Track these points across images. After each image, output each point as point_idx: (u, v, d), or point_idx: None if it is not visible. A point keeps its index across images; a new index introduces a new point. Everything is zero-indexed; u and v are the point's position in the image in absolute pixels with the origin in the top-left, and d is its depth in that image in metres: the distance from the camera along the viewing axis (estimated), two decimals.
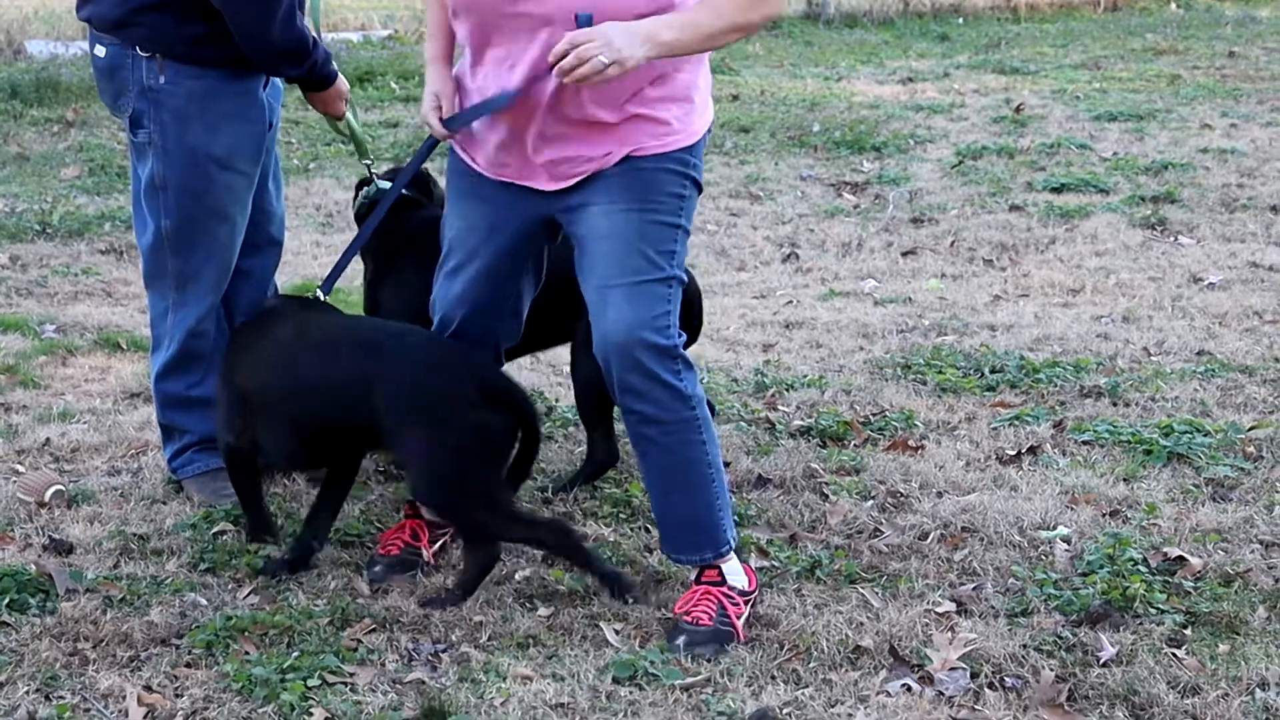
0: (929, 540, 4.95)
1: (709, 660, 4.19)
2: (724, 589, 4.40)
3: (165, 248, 5.09)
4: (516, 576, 4.66)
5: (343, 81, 5.27)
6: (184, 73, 4.90)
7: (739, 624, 4.34)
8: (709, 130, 4.33)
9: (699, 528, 4.41)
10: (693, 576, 4.50)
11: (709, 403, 4.56)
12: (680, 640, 4.27)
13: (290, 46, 4.93)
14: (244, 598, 4.54)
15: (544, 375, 6.54)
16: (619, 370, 4.21)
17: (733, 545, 4.45)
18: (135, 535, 4.92)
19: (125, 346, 6.92)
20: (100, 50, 4.99)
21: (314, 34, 5.04)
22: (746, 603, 4.42)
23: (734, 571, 4.44)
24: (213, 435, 5.25)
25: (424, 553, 4.81)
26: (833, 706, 3.96)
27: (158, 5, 4.86)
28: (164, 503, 5.23)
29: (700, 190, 4.33)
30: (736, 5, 4.04)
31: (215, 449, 5.26)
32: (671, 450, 4.32)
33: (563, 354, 5.66)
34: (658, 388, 4.23)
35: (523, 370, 6.59)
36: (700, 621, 4.31)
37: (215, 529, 4.97)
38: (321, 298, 4.70)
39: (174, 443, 5.31)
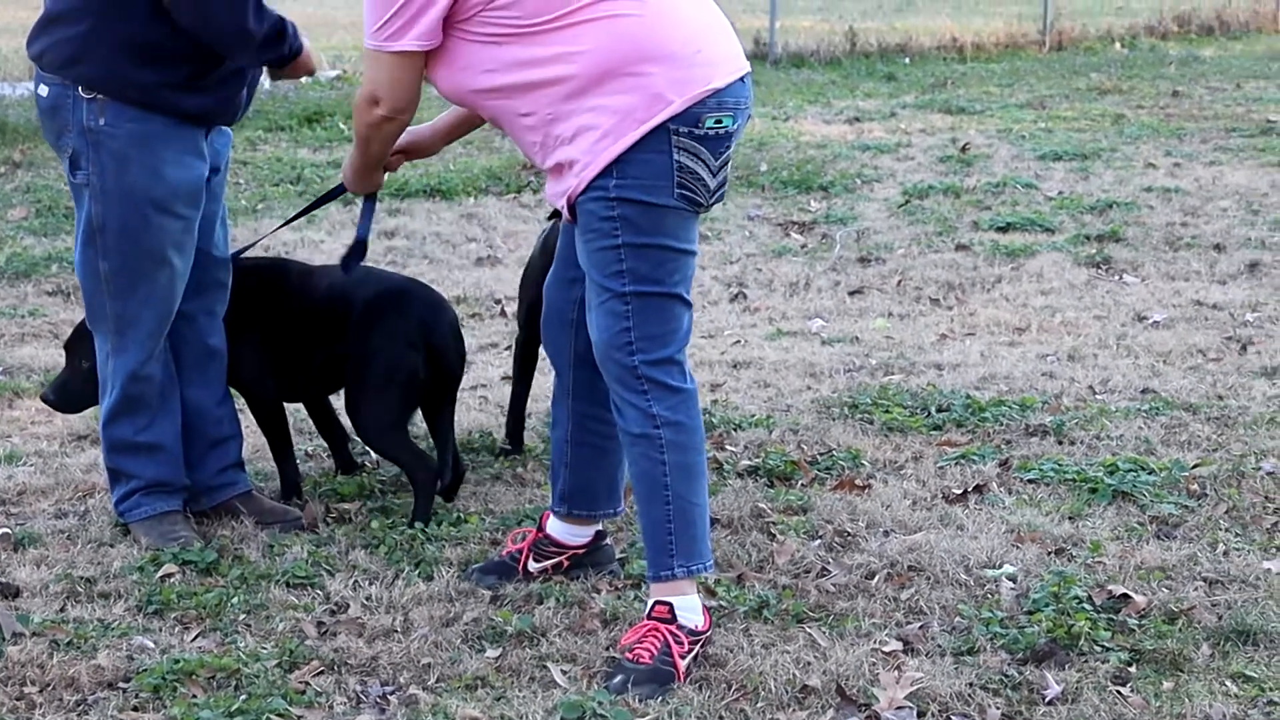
0: (876, 579, 4.97)
1: (655, 700, 4.20)
2: (672, 627, 4.41)
3: (104, 291, 5.09)
4: (465, 618, 4.67)
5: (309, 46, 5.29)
6: (125, 114, 4.91)
7: (681, 664, 4.34)
8: (656, 129, 4.27)
9: (651, 544, 4.50)
10: (645, 611, 4.51)
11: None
12: (617, 679, 4.30)
13: (269, 33, 4.97)
14: (191, 641, 4.54)
15: (492, 416, 6.54)
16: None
17: (678, 573, 4.46)
18: (82, 578, 4.91)
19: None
20: (44, 89, 4.99)
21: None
22: (694, 643, 4.41)
23: (688, 609, 4.45)
24: (160, 480, 5.26)
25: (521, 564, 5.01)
26: None
27: (110, 47, 4.87)
28: (111, 545, 5.22)
29: (657, 203, 4.31)
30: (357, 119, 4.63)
31: (163, 493, 5.27)
32: (634, 463, 4.49)
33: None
34: (622, 402, 4.44)
35: (470, 411, 6.60)
36: (641, 659, 4.34)
37: (162, 572, 4.96)
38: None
39: (121, 486, 5.30)
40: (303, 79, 5.32)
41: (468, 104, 4.56)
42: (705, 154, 4.32)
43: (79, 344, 5.44)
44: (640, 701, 4.19)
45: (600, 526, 5.05)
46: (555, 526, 5.00)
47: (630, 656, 4.36)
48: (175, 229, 5.05)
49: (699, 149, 4.31)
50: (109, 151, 4.94)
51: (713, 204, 4.43)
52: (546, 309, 4.86)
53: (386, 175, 5.04)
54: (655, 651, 4.35)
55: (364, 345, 5.39)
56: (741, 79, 4.41)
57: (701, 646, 4.45)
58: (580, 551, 5.02)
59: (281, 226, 5.70)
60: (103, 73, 4.90)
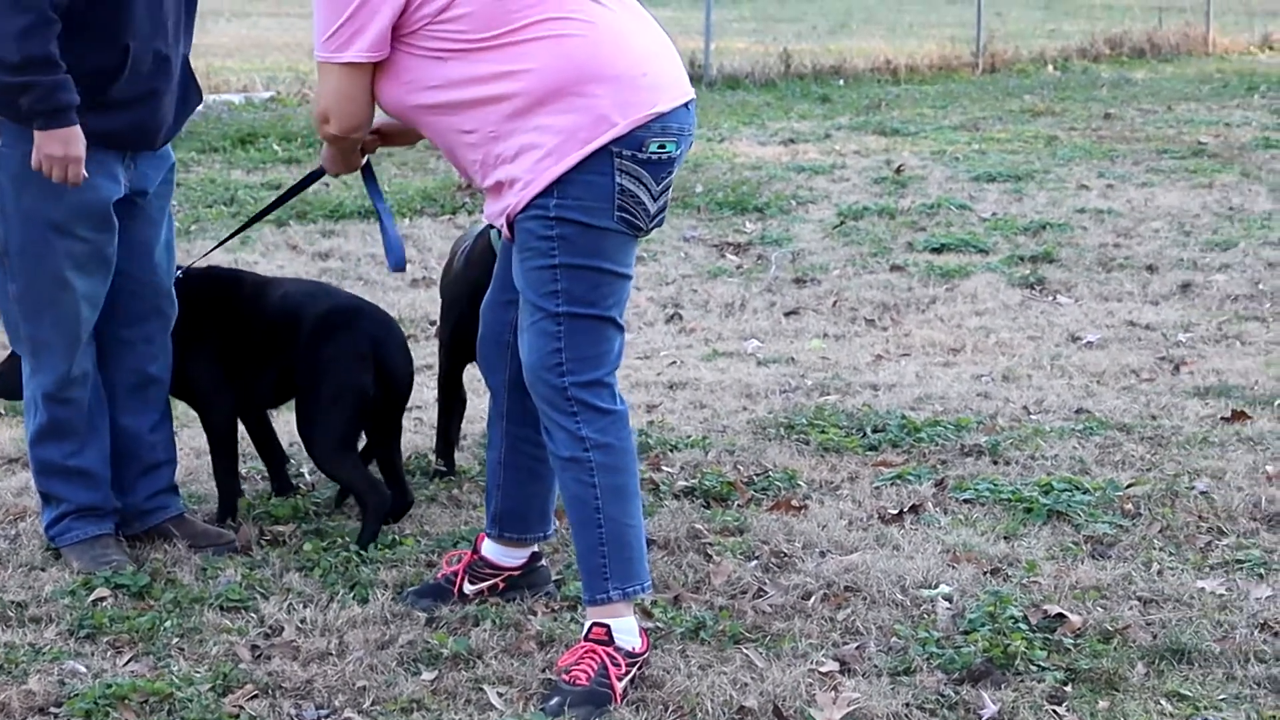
0: (812, 600, 4.97)
1: None
2: (609, 649, 4.40)
3: (16, 312, 5.05)
4: (400, 640, 4.64)
5: (76, 132, 4.84)
6: (23, 135, 4.82)
7: (618, 685, 4.33)
8: (599, 151, 4.28)
9: (585, 567, 4.51)
10: (582, 633, 4.50)
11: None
12: (554, 701, 4.29)
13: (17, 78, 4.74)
14: (124, 665, 4.50)
15: (427, 438, 6.51)
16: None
17: (614, 596, 4.46)
18: (13, 603, 4.87)
19: (3, 411, 6.84)
20: None
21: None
22: (631, 665, 4.41)
23: (625, 630, 4.45)
24: (91, 504, 5.21)
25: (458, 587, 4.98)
26: None
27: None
28: (42, 569, 5.17)
29: (596, 225, 4.31)
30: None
31: (93, 517, 5.22)
32: (566, 486, 4.49)
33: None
34: (551, 424, 4.44)
35: (405, 433, 6.58)
36: (578, 681, 4.33)
37: (94, 596, 4.92)
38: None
39: (52, 509, 5.25)
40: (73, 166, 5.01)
41: (409, 119, 4.54)
42: (647, 178, 4.33)
43: None
44: None
45: (535, 548, 5.03)
46: (490, 548, 4.98)
47: (567, 679, 4.34)
48: (78, 251, 4.98)
49: (641, 173, 4.31)
50: (7, 173, 4.88)
51: (651, 228, 4.43)
52: (483, 330, 4.85)
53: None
54: (592, 673, 4.34)
55: (314, 361, 5.37)
56: (686, 105, 4.42)
57: (639, 668, 4.43)
58: (516, 573, 5.00)
59: (250, 224, 5.62)
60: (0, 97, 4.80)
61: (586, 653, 4.41)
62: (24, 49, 4.67)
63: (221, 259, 9.75)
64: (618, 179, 4.30)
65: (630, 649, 4.43)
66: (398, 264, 4.97)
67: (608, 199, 4.31)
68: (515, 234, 4.41)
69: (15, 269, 4.97)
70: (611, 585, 4.46)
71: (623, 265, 4.42)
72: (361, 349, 5.38)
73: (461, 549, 5.18)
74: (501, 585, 4.99)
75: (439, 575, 5.05)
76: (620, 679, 4.35)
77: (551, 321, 4.37)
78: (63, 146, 4.76)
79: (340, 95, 4.42)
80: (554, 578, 5.08)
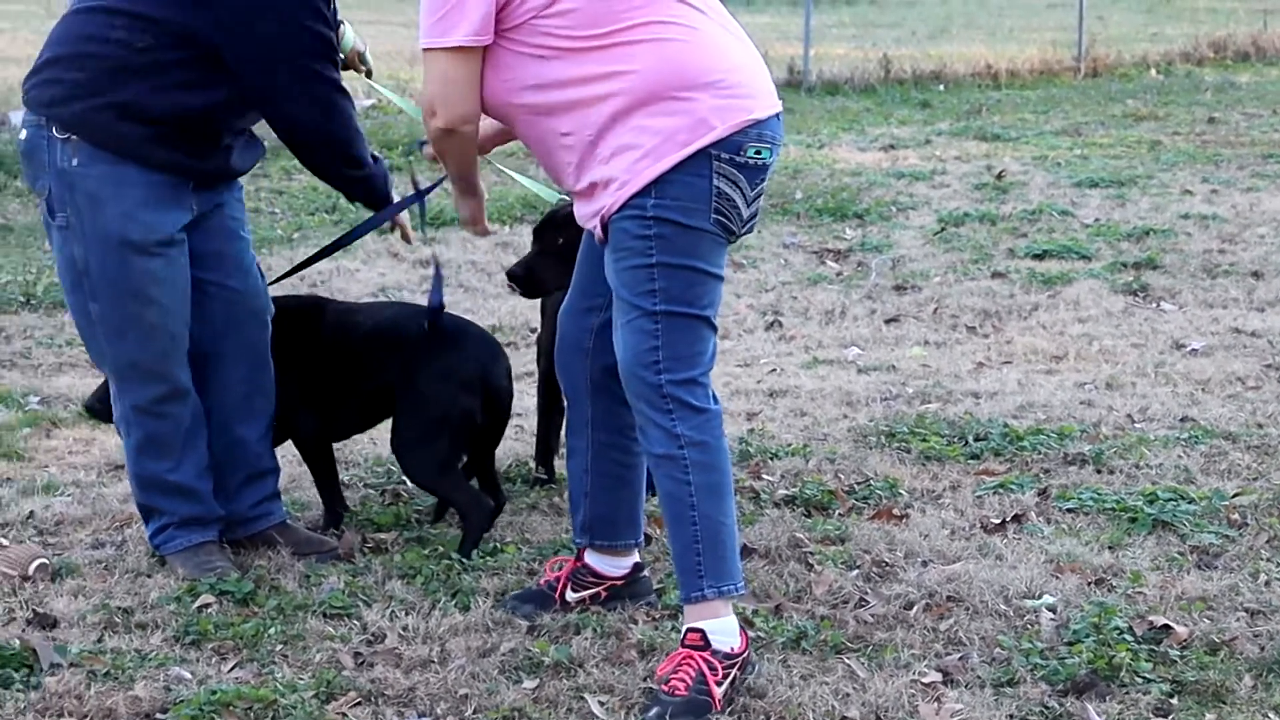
0: (914, 610, 4.94)
1: None
2: (705, 654, 4.39)
3: (98, 333, 5.09)
4: (502, 648, 4.65)
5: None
6: (98, 156, 4.91)
7: (718, 691, 4.32)
8: (697, 154, 4.31)
9: (680, 566, 4.51)
10: (680, 638, 4.50)
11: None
12: (653, 711, 4.29)
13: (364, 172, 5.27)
14: (229, 671, 4.53)
15: (528, 445, 6.52)
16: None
17: (709, 594, 4.45)
18: (120, 609, 4.91)
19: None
20: (23, 133, 5.01)
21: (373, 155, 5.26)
22: (730, 667, 4.39)
23: (721, 631, 4.44)
24: (193, 515, 5.24)
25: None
26: None
27: (102, 101, 4.89)
28: (148, 576, 5.22)
29: (693, 226, 4.34)
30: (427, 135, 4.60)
31: (197, 525, 5.26)
32: (661, 483, 4.48)
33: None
34: (646, 422, 4.46)
35: (506, 440, 6.60)
36: (676, 691, 4.33)
37: (199, 602, 4.96)
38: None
39: (155, 521, 5.30)
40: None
41: (505, 118, 4.55)
42: (743, 182, 4.36)
43: None
44: None
45: (637, 558, 5.04)
46: (593, 557, 4.99)
47: (666, 689, 4.34)
48: (156, 268, 5.02)
49: (738, 176, 4.34)
50: (83, 193, 4.94)
51: (743, 233, 4.46)
52: (561, 338, 4.87)
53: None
54: (690, 681, 4.34)
55: (418, 384, 5.37)
56: (777, 115, 4.46)
57: (739, 670, 4.42)
58: (619, 583, 5.01)
59: (312, 260, 5.66)
60: (82, 118, 4.91)
61: (684, 660, 4.40)
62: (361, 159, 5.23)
63: (323, 266, 9.85)
64: (715, 181, 4.33)
65: (728, 650, 4.41)
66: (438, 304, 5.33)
67: (705, 200, 4.34)
68: (610, 234, 4.43)
69: (96, 288, 5.01)
70: (706, 584, 4.46)
71: (716, 266, 4.45)
72: (469, 374, 5.39)
73: (564, 556, 5.20)
74: (604, 594, 5.00)
75: (541, 581, 5.07)
76: (719, 684, 4.34)
77: (649, 320, 4.39)
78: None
79: (447, 82, 4.39)
80: (655, 586, 5.07)
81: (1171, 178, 13.33)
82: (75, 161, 4.92)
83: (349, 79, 5.33)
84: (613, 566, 5.00)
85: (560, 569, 5.05)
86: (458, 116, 4.44)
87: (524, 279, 5.69)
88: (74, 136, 4.91)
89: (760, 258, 10.49)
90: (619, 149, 4.34)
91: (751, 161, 4.37)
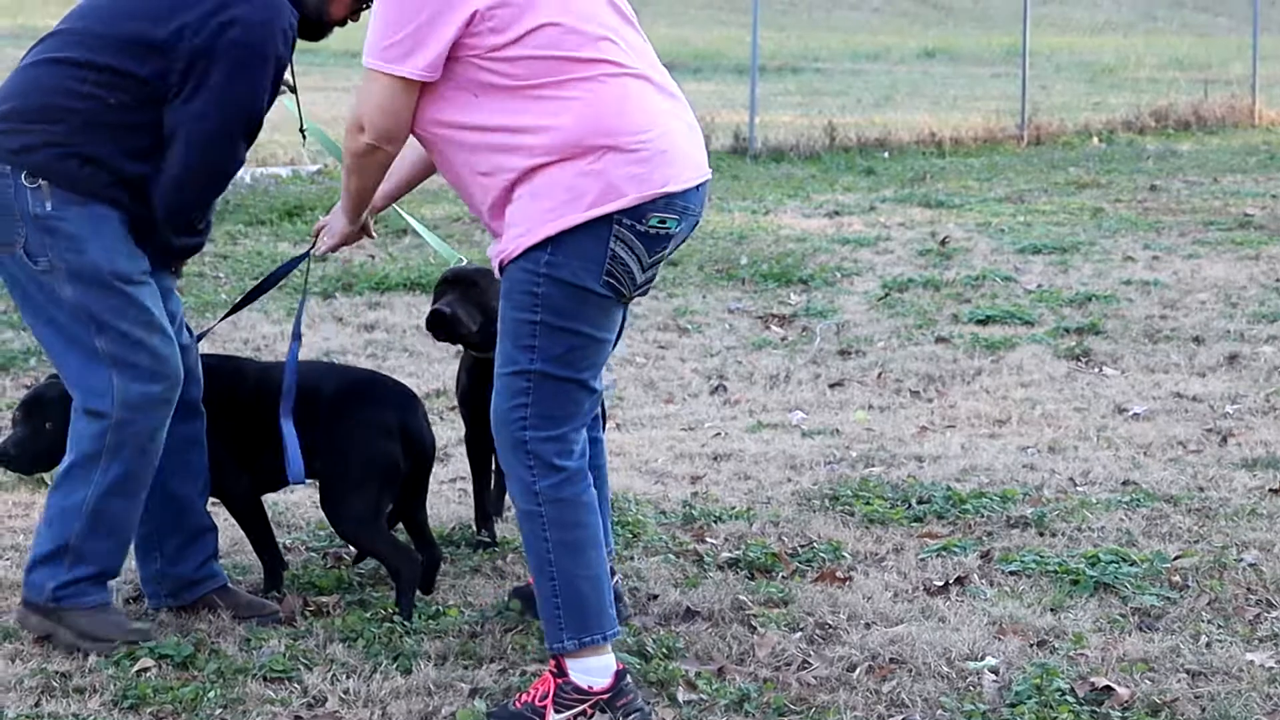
0: (857, 672, 4.94)
1: None
2: (559, 681, 4.58)
3: (108, 371, 5.00)
4: (443, 711, 4.64)
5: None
6: (70, 199, 4.92)
7: (552, 716, 4.53)
8: (601, 217, 4.42)
9: (544, 616, 4.67)
10: None
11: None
12: (494, 712, 4.61)
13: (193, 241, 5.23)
14: None
15: (471, 509, 6.51)
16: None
17: (569, 646, 4.58)
18: (57, 673, 4.87)
19: (49, 482, 6.85)
20: None
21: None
22: (579, 701, 4.56)
23: (581, 669, 4.58)
24: (113, 571, 5.16)
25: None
26: None
27: (75, 152, 4.91)
28: None
29: (583, 286, 4.45)
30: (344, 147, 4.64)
31: (106, 582, 5.16)
32: (524, 535, 4.65)
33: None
34: (510, 473, 4.61)
35: (449, 504, 6.57)
36: (518, 701, 4.61)
37: (138, 666, 4.92)
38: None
39: (70, 569, 5.12)
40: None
41: (428, 141, 4.63)
42: (641, 250, 4.48)
43: (41, 406, 5.39)
44: None
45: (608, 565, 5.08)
46: None
47: (516, 697, 4.64)
48: (146, 293, 5.04)
49: (636, 244, 4.46)
50: (63, 235, 4.93)
51: (635, 297, 4.56)
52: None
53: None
54: (532, 698, 4.59)
55: (338, 437, 5.38)
56: (698, 186, 4.55)
57: (590, 707, 4.56)
58: None
59: (239, 307, 5.67)
60: (51, 164, 4.91)
61: (542, 679, 4.64)
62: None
63: (270, 331, 9.83)
64: (612, 245, 4.44)
65: (585, 686, 4.56)
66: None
67: (599, 263, 4.44)
68: (504, 279, 4.55)
69: (103, 323, 4.96)
70: (566, 636, 4.58)
71: (602, 330, 4.56)
72: (387, 422, 5.41)
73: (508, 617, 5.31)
74: None
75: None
76: (557, 710, 4.55)
77: (523, 378, 4.52)
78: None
79: (383, 108, 4.47)
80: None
81: (1113, 244, 13.41)
82: (49, 206, 4.90)
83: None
84: None
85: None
86: (384, 135, 4.52)
87: (450, 317, 5.72)
88: (44, 183, 4.90)
89: (705, 323, 10.51)
90: (529, 196, 4.44)
91: (653, 231, 4.47)
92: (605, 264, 4.43)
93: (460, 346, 6.12)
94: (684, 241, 4.70)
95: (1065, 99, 26.99)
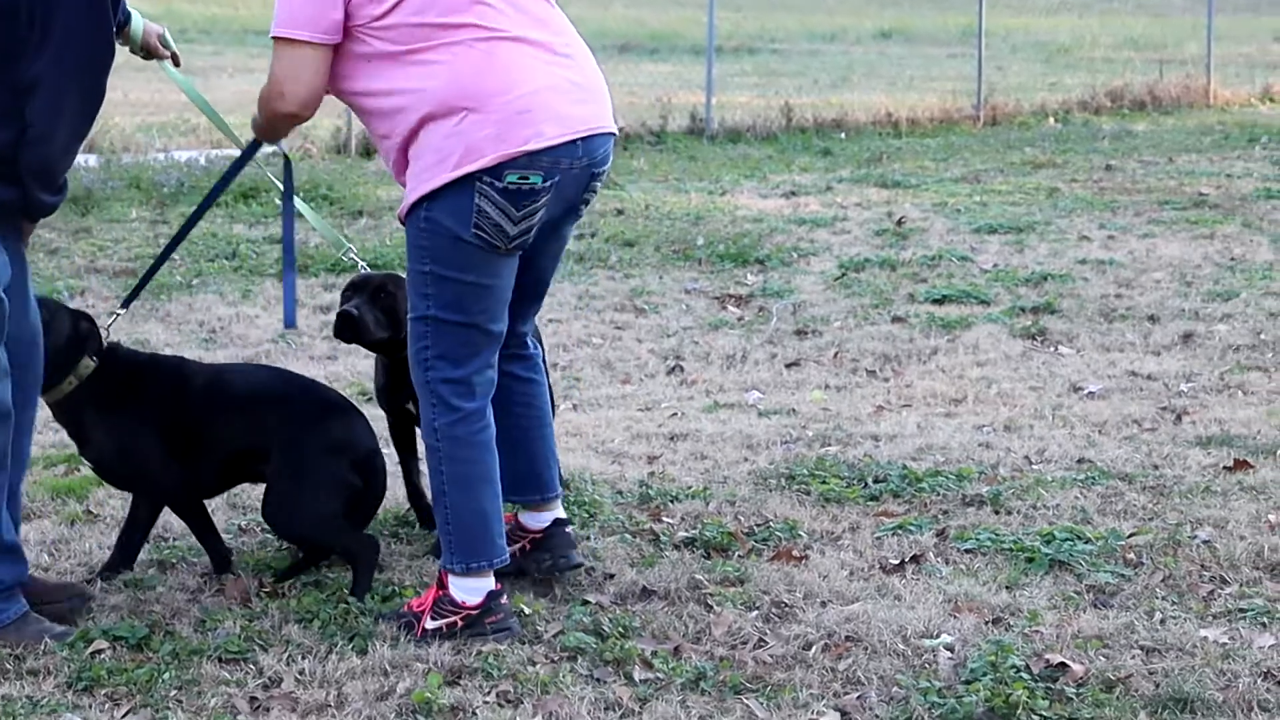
0: (813, 650, 4.95)
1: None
2: (438, 593, 5.05)
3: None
4: (399, 690, 4.63)
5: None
6: None
7: (427, 623, 5.00)
8: (464, 176, 4.82)
9: (441, 538, 5.13)
10: None
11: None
12: (379, 611, 5.17)
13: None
14: (122, 717, 4.49)
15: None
16: None
17: (455, 568, 5.04)
18: (10, 655, 4.85)
19: None
20: None
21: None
22: (451, 613, 5.00)
23: (459, 587, 5.03)
24: (20, 580, 5.03)
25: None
26: None
27: None
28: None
29: (458, 237, 4.87)
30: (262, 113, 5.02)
31: (14, 594, 5.01)
32: (427, 466, 5.12)
33: None
34: (421, 410, 5.08)
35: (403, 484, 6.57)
36: (406, 608, 5.10)
37: (92, 648, 4.90)
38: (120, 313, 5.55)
39: None
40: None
41: (347, 105, 5.10)
42: (505, 205, 4.86)
43: None
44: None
45: (559, 513, 5.54)
46: (525, 515, 5.52)
47: (405, 602, 5.14)
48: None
49: (499, 199, 4.85)
50: None
51: (513, 248, 4.95)
52: None
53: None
54: (414, 607, 5.07)
55: (304, 451, 5.41)
56: (577, 141, 4.88)
57: (461, 621, 4.99)
58: (539, 535, 5.51)
59: (155, 268, 5.62)
60: None
61: (430, 589, 5.11)
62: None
63: (223, 312, 9.79)
64: (477, 200, 4.84)
65: (460, 600, 5.01)
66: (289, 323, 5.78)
67: (466, 218, 4.85)
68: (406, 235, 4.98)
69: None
70: (455, 559, 5.05)
71: (489, 276, 4.96)
72: (357, 453, 5.51)
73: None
74: (528, 546, 5.51)
75: None
76: (432, 618, 5.01)
77: (422, 323, 4.98)
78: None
79: (298, 76, 4.84)
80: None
81: (1069, 224, 13.44)
82: None
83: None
84: (535, 521, 5.52)
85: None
86: (301, 103, 4.89)
87: (357, 320, 5.69)
88: None
89: (662, 303, 10.51)
90: (415, 156, 4.89)
91: (513, 187, 4.84)
92: (473, 218, 4.84)
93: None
94: (584, 192, 5.06)
95: (1021, 79, 27.04)
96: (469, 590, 5.02)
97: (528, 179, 4.83)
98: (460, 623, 4.99)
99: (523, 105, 4.81)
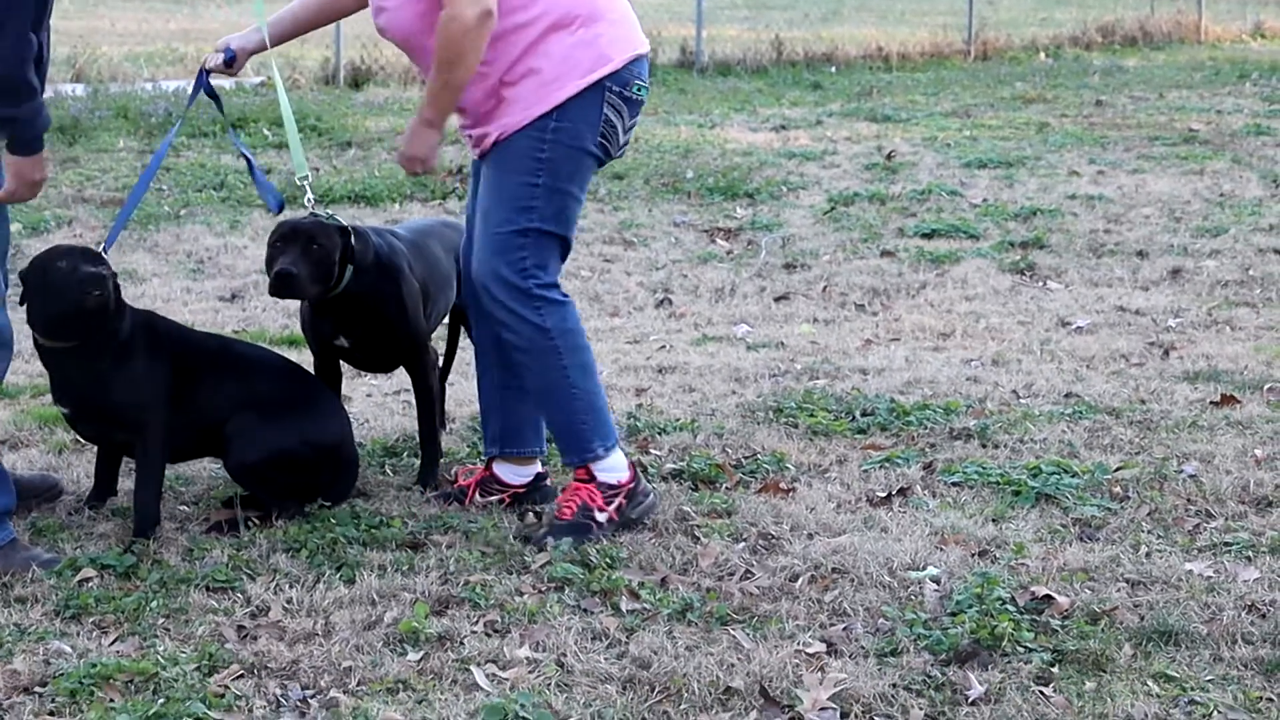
0: (799, 582, 4.96)
1: (579, 703, 4.18)
2: (591, 486, 5.24)
3: None
4: (386, 620, 4.63)
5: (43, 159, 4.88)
6: None
7: (600, 516, 5.22)
8: (595, 84, 5.06)
9: (567, 436, 5.30)
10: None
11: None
12: (541, 532, 5.21)
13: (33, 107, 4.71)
14: (109, 645, 4.49)
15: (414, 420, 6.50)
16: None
17: (600, 453, 5.27)
18: None
19: None
20: None
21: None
22: (615, 494, 5.25)
23: (606, 469, 5.27)
24: (9, 508, 5.03)
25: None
26: None
27: None
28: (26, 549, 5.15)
29: (583, 148, 5.12)
30: (438, 61, 4.95)
31: (6, 518, 5.02)
32: (536, 373, 5.23)
33: None
34: (516, 320, 5.14)
35: (394, 415, 6.56)
36: (562, 515, 5.24)
37: (80, 576, 4.90)
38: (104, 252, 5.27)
39: None
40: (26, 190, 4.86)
41: (419, 44, 5.09)
42: (625, 114, 5.15)
43: None
44: (565, 705, 4.17)
45: (540, 468, 5.64)
46: (501, 467, 5.58)
47: (557, 515, 5.26)
48: None
49: (622, 107, 5.12)
50: None
51: (614, 158, 5.25)
52: (467, 274, 5.39)
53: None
54: (575, 509, 5.22)
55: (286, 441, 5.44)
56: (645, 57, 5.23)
57: (624, 498, 5.27)
58: (521, 490, 5.59)
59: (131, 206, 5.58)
60: None
61: (572, 492, 5.29)
62: (27, 76, 4.63)
63: (213, 244, 9.77)
64: (604, 110, 5.08)
65: (612, 482, 5.26)
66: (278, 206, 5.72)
67: (595, 127, 5.09)
68: (498, 151, 5.09)
69: None
70: (598, 443, 5.27)
71: (584, 191, 5.23)
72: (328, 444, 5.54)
73: (475, 465, 5.82)
74: (507, 500, 5.57)
75: (454, 485, 5.69)
76: (602, 510, 5.23)
77: (520, 235, 5.08)
78: (41, 170, 4.85)
79: None
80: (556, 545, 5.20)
81: (1059, 159, 13.43)
82: None
83: None
84: (517, 475, 5.59)
85: (470, 476, 5.67)
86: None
87: (297, 279, 5.40)
88: None
89: (651, 236, 10.50)
90: (528, 72, 5.00)
91: (634, 97, 5.14)
92: (600, 126, 5.09)
93: None
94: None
95: (1012, 14, 26.99)
96: (617, 468, 5.29)
97: (640, 90, 5.15)
98: (624, 501, 5.28)
99: (618, 18, 5.11)
